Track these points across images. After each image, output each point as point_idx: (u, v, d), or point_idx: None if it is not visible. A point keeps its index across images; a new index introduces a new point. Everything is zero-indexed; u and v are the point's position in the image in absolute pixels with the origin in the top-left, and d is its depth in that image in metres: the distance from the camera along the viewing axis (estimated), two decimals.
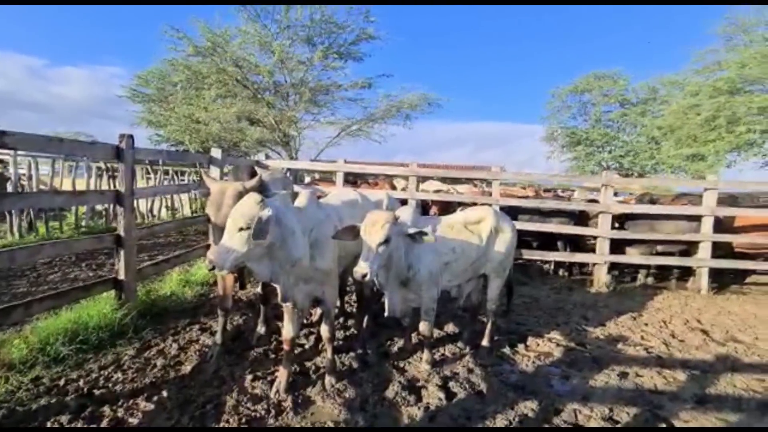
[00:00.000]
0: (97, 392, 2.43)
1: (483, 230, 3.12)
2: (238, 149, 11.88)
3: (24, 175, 6.86)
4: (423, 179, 7.65)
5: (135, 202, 3.43)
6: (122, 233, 3.25)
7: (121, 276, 3.27)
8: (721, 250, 5.39)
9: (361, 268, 2.28)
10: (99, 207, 7.97)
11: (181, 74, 10.00)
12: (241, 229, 1.99)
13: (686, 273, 5.83)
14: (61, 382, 2.49)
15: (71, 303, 2.99)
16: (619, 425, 2.38)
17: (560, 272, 6.00)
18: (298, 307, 2.53)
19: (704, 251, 5.25)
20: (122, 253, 3.27)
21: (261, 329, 3.33)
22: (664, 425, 2.37)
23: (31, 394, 2.36)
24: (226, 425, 2.20)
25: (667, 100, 19.84)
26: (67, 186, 7.34)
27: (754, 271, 6.03)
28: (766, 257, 5.73)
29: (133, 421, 2.20)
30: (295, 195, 3.37)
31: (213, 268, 1.96)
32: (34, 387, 2.42)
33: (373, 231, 2.37)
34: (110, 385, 2.52)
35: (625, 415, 2.47)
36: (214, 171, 4.79)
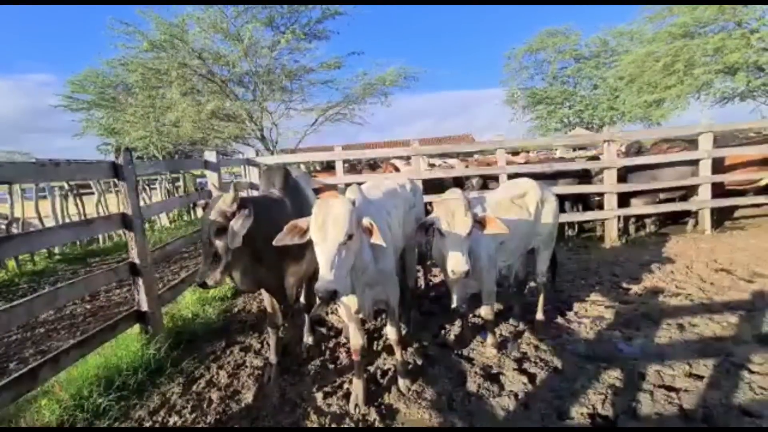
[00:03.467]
0: None
1: (530, 203, 3.00)
2: (207, 147, 11.14)
3: None
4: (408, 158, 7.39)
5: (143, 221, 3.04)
6: (137, 260, 2.89)
7: (144, 307, 2.92)
8: (717, 190, 5.60)
9: (462, 265, 2.10)
10: None
11: (136, 74, 9.05)
12: (350, 237, 1.75)
13: (684, 215, 6.08)
14: None
15: (97, 347, 2.63)
16: (704, 379, 2.38)
17: (569, 233, 6.06)
18: (365, 314, 2.33)
19: (705, 193, 5.44)
20: (140, 281, 2.91)
21: (308, 339, 3.11)
22: (745, 372, 2.40)
23: None
24: None
25: (618, 50, 20.47)
26: (29, 212, 6.58)
27: (738, 207, 6.36)
28: (753, 191, 6.02)
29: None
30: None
31: (334, 296, 1.65)
32: None
33: (458, 222, 2.17)
34: None
35: (704, 368, 2.48)
36: (211, 175, 4.37)
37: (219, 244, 2.14)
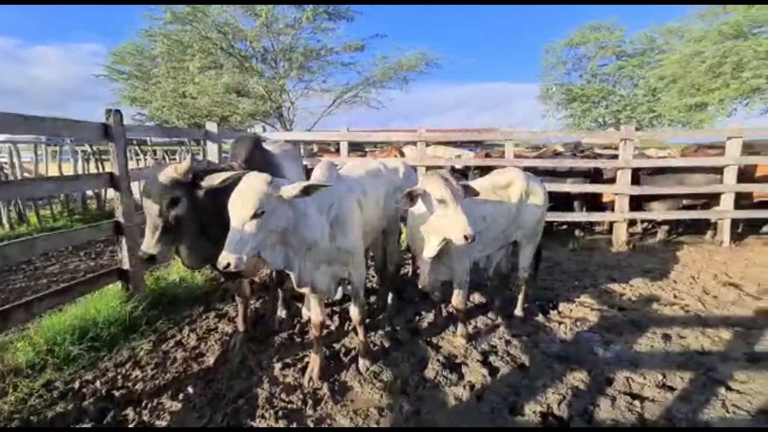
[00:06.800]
0: (116, 393, 2.25)
1: (513, 194, 2.88)
2: (229, 123, 11.33)
3: (5, 163, 6.43)
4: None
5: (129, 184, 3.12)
6: (121, 219, 2.98)
7: (126, 266, 3.03)
8: (744, 200, 5.23)
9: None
10: (89, 191, 7.59)
11: (160, 45, 9.29)
12: (255, 216, 1.71)
13: (707, 225, 5.71)
14: (76, 385, 2.30)
15: (75, 298, 2.75)
16: (675, 391, 2.25)
17: (576, 233, 5.83)
18: (322, 291, 2.30)
19: (726, 202, 5.08)
20: (124, 241, 3.01)
21: (281, 312, 3.13)
22: (722, 389, 2.25)
23: (45, 401, 2.17)
24: (262, 420, 2.04)
25: (665, 49, 19.20)
26: (52, 172, 6.94)
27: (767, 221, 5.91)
28: None
29: (161, 423, 2.02)
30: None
31: (228, 266, 1.65)
32: (47, 393, 2.23)
33: (454, 186, 2.24)
34: (130, 384, 2.33)
35: (679, 380, 2.35)
36: (211, 147, 4.44)
37: (171, 215, 2.06)
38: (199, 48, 8.60)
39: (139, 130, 4.12)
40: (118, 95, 15.07)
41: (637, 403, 2.15)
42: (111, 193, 7.85)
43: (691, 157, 5.33)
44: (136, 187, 4.03)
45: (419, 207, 2.35)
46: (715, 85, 12.55)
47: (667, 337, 2.86)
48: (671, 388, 2.28)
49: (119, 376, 2.40)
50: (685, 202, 5.51)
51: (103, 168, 7.68)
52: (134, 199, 3.35)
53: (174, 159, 9.75)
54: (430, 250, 2.46)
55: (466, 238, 2.13)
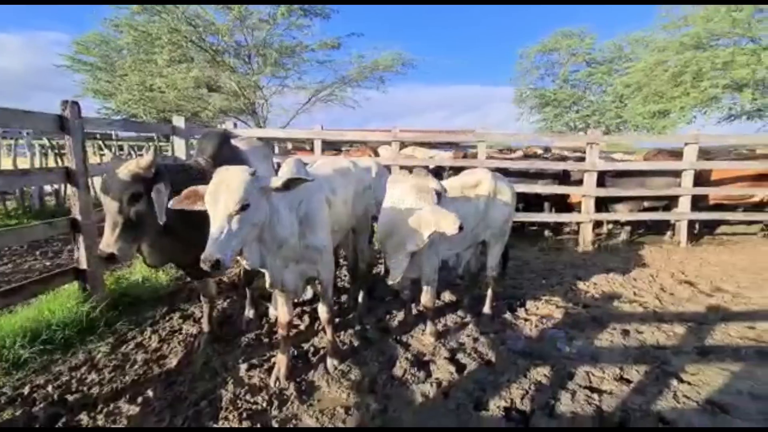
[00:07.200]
0: (70, 398, 2.14)
1: (481, 194, 2.94)
2: (200, 119, 10.97)
3: None
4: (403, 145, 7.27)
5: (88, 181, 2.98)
6: (79, 217, 2.84)
7: (83, 265, 2.89)
8: (700, 203, 5.51)
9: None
10: (48, 187, 7.20)
11: (127, 36, 8.89)
12: (241, 209, 1.65)
13: (665, 226, 5.99)
14: (26, 390, 2.18)
15: (27, 299, 2.61)
16: (631, 384, 2.35)
17: (546, 233, 6.00)
18: (290, 290, 2.28)
19: (684, 204, 5.35)
20: (81, 239, 2.87)
21: (249, 313, 3.07)
22: (674, 380, 2.36)
23: None
24: (226, 422, 1.99)
25: (632, 57, 20.06)
26: (6, 167, 6.54)
27: (722, 222, 6.27)
28: (742, 208, 5.92)
29: (117, 428, 1.94)
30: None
31: (217, 264, 1.54)
32: None
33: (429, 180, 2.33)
34: (85, 388, 2.23)
35: (635, 373, 2.45)
36: (178, 142, 4.30)
37: (132, 211, 1.98)
38: (168, 40, 8.29)
39: (100, 124, 3.93)
40: (81, 87, 14.42)
41: (595, 396, 2.23)
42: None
43: (652, 161, 5.57)
44: (98, 183, 3.84)
45: (409, 202, 2.36)
46: (677, 94, 13.20)
47: (625, 333, 2.98)
48: (628, 381, 2.38)
49: (73, 380, 2.29)
50: (646, 204, 5.76)
51: (63, 163, 7.31)
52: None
53: (141, 155, 9.36)
54: (420, 243, 2.46)
55: (460, 228, 2.22)
